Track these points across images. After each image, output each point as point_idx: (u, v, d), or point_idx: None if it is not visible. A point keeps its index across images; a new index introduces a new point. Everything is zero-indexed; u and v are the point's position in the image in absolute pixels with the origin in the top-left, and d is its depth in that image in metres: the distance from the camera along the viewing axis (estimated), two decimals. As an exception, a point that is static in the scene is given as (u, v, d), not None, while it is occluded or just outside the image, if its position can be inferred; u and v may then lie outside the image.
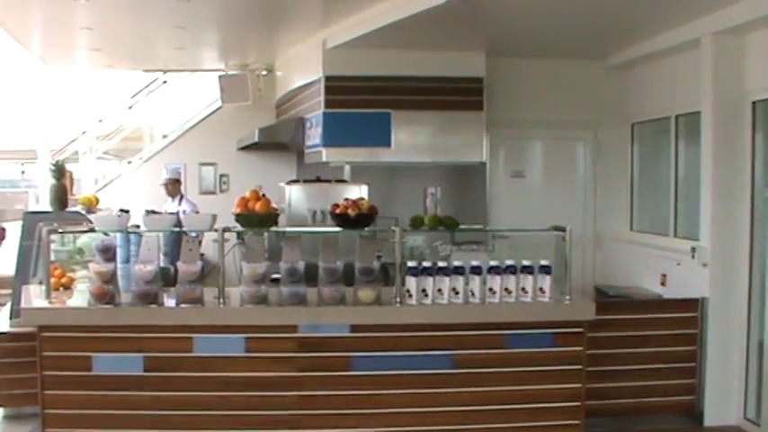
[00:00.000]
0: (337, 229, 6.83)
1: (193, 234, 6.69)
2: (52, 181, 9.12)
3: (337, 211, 6.77)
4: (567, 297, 6.54)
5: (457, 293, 6.38)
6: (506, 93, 9.99)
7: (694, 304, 7.75)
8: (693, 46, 8.00)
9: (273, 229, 6.86)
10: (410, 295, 6.35)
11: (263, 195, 6.76)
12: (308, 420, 6.36)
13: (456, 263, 6.45)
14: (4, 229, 7.87)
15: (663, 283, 8.84)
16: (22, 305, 6.70)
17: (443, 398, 6.41)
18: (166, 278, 6.82)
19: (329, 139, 9.39)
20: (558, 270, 6.56)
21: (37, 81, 13.99)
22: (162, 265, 6.74)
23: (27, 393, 6.91)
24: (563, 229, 6.58)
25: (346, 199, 6.93)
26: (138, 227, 6.75)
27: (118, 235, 6.78)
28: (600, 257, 10.59)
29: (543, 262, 6.47)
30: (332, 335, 6.34)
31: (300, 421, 6.35)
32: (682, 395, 7.70)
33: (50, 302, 6.41)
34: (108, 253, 6.45)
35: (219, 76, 12.32)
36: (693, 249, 7.88)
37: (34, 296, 6.85)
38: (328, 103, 9.38)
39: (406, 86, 9.44)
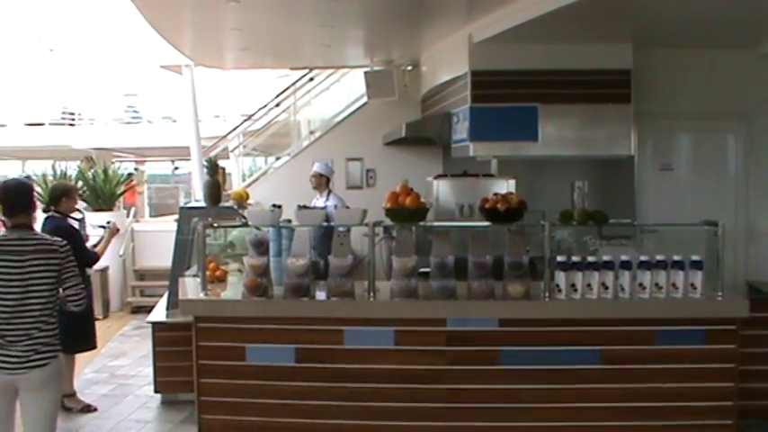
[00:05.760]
0: (486, 223, 6.85)
1: (343, 229, 6.81)
2: (206, 177, 9.40)
3: (487, 205, 6.81)
4: (719, 293, 6.41)
5: (606, 288, 6.34)
6: (654, 84, 9.81)
7: None
8: None
9: (423, 223, 6.93)
10: (559, 290, 6.34)
11: (412, 190, 6.83)
12: (455, 413, 6.41)
13: (605, 257, 6.41)
14: (118, 230, 8.42)
15: (821, 280, 8.55)
16: (180, 297, 6.98)
17: (591, 393, 6.37)
18: (316, 271, 6.95)
19: (476, 134, 9.34)
20: (708, 265, 6.42)
21: (189, 81, 14.40)
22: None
23: (183, 381, 7.22)
24: (715, 224, 6.43)
25: (495, 194, 6.95)
26: (289, 221, 6.92)
27: (270, 229, 6.95)
28: (752, 253, 10.28)
29: (694, 257, 6.36)
30: (480, 329, 6.37)
31: (447, 414, 6.41)
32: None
33: (206, 294, 6.64)
34: (261, 247, 6.65)
35: (365, 72, 12.41)
36: None
37: (190, 288, 7.11)
38: (475, 98, 9.33)
39: (553, 80, 9.32)
